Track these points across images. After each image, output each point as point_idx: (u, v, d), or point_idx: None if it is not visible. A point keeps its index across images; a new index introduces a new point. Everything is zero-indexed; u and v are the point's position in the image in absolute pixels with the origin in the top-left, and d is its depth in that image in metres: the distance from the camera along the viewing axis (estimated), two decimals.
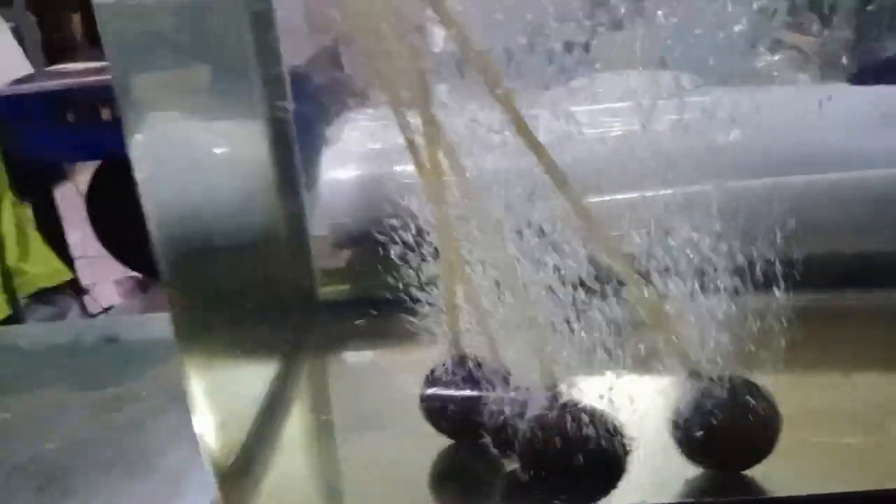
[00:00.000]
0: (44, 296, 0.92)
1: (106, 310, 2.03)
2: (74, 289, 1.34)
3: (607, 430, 0.34)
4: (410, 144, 0.37)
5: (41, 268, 0.92)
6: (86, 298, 1.98)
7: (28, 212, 0.95)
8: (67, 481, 0.41)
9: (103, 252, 2.21)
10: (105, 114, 1.84)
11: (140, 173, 0.34)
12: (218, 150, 0.42)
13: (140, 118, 0.35)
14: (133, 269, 2.29)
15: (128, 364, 0.54)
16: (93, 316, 1.79)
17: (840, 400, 0.40)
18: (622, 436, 0.34)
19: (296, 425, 0.44)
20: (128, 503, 0.40)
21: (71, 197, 2.33)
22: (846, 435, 0.37)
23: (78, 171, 2.43)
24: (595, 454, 0.33)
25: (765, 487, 0.34)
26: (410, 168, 0.38)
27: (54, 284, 0.93)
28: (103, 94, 1.88)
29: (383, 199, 0.39)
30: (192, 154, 0.40)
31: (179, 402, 0.36)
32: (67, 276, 0.96)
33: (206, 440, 0.36)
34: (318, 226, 0.56)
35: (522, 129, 0.34)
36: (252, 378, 0.44)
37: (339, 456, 0.43)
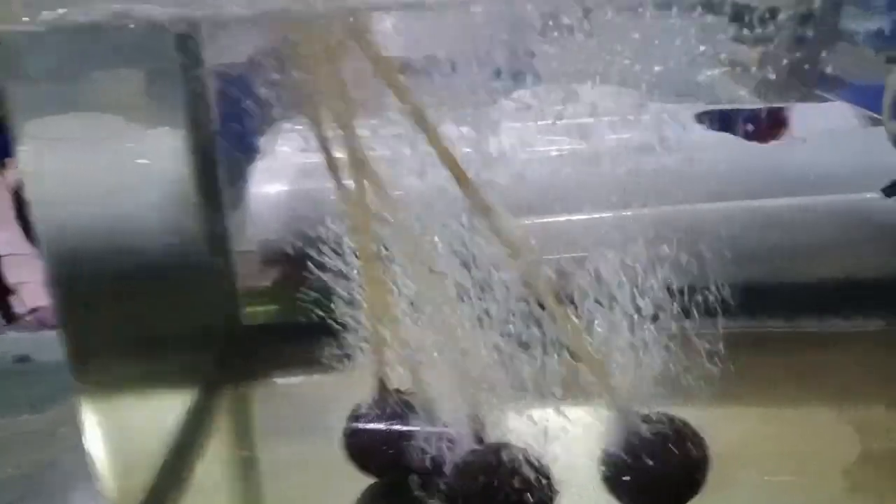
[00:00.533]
0: None
1: (33, 311, 1.95)
2: None
3: (535, 473, 0.32)
4: (332, 169, 0.34)
5: None
6: (12, 298, 1.90)
7: None
8: None
9: (31, 250, 2.12)
10: None
11: (29, 185, 0.31)
12: (121, 162, 0.39)
13: (30, 125, 0.32)
14: None
15: (41, 388, 0.50)
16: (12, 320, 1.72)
17: (769, 436, 0.39)
18: (549, 478, 0.33)
19: (212, 464, 0.41)
20: None
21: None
22: (776, 473, 0.37)
23: (7, 167, 2.33)
24: (522, 497, 0.32)
25: None
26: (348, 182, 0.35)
27: None
28: None
29: (315, 216, 0.37)
30: (89, 165, 0.37)
31: None
32: None
33: (106, 483, 0.33)
34: (246, 242, 0.53)
35: (441, 150, 0.32)
36: (162, 412, 0.41)
37: (258, 497, 0.40)
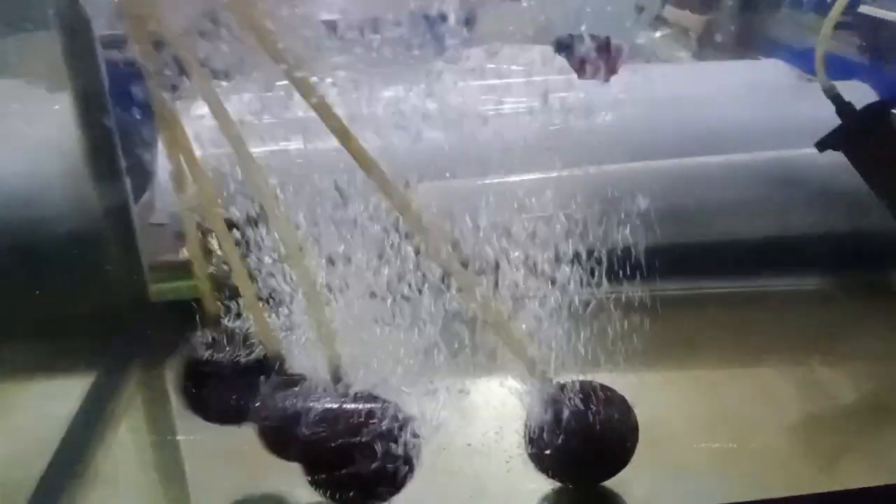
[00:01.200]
0: None
1: None
2: None
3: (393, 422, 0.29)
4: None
5: None
6: None
7: None
8: None
9: None
10: None
11: None
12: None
13: None
14: None
15: None
16: None
17: (704, 400, 0.38)
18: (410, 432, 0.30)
19: (120, 449, 0.38)
20: None
21: None
22: (713, 439, 0.35)
23: None
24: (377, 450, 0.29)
25: (625, 500, 0.32)
26: (263, 150, 0.32)
27: None
28: None
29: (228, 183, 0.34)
30: None
31: None
32: None
33: None
34: (157, 215, 0.50)
35: (325, 112, 0.29)
36: (58, 397, 0.38)
37: (169, 482, 0.37)
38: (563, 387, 0.30)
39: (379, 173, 0.29)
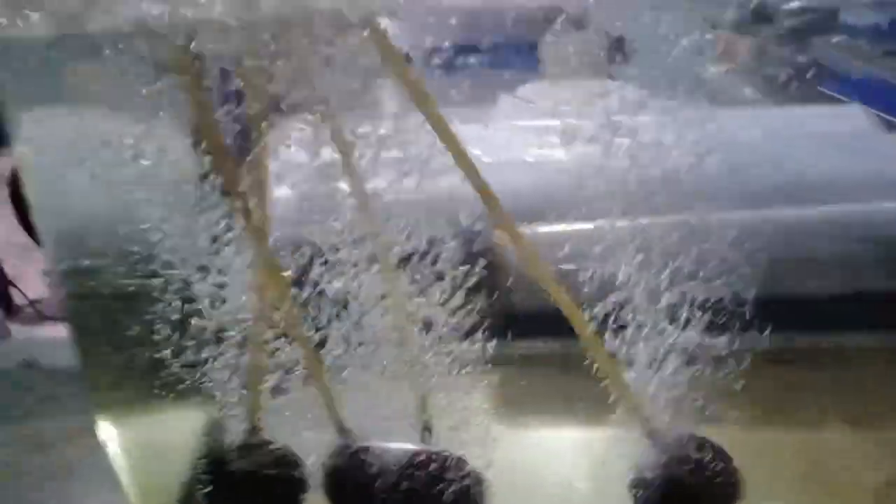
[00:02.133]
0: None
1: (32, 303, 1.94)
2: None
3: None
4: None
5: None
6: (11, 290, 1.89)
7: None
8: None
9: (29, 242, 2.11)
10: None
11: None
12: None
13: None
14: None
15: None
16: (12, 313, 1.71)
17: (794, 457, 0.39)
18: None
19: None
20: None
21: None
22: (807, 495, 0.36)
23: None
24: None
25: None
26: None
27: None
28: None
29: None
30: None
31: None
32: None
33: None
34: None
35: (455, 149, 0.30)
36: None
37: None
38: (672, 439, 0.32)
39: (499, 209, 0.30)
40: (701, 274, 0.33)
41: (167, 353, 0.31)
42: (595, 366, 0.32)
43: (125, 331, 0.31)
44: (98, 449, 0.39)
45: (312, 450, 0.33)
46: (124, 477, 0.33)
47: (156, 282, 0.30)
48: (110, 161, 0.32)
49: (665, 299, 0.33)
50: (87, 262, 0.33)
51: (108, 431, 0.34)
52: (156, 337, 0.31)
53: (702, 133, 0.33)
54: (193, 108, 0.27)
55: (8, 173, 2.16)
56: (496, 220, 0.30)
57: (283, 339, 0.31)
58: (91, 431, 0.40)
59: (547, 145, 0.43)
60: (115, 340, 0.33)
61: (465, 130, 0.31)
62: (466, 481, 0.31)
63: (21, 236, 2.24)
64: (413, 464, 0.31)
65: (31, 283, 2.01)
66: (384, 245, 0.30)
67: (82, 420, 0.43)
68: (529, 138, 0.43)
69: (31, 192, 0.29)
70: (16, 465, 0.43)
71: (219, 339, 0.31)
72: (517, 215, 0.32)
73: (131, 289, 0.32)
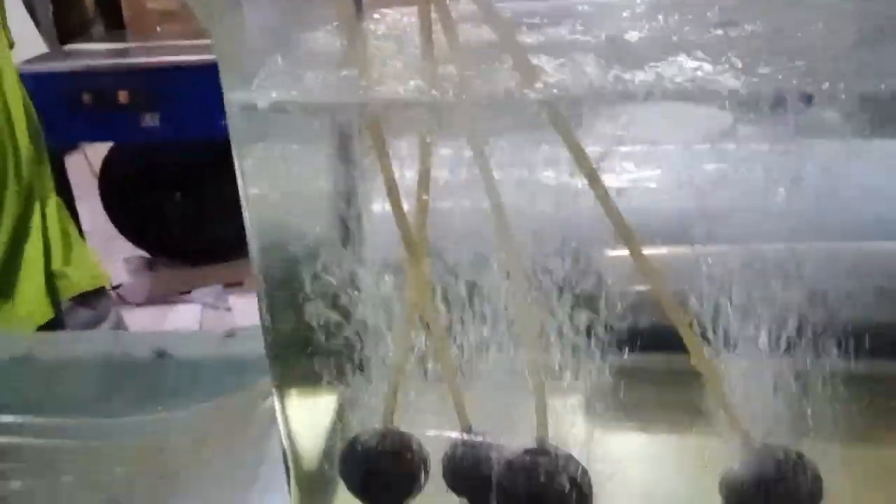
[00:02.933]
0: (83, 298, 0.93)
1: (114, 287, 2.05)
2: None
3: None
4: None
5: (83, 272, 0.92)
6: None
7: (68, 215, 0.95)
8: None
9: (112, 230, 2.23)
10: (122, 97, 1.85)
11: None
12: None
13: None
14: (141, 248, 2.31)
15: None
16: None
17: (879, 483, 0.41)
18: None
19: None
20: None
21: (83, 174, 2.35)
22: None
23: (89, 149, 2.44)
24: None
25: None
26: None
27: (94, 288, 0.93)
28: (120, 77, 1.89)
29: None
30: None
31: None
32: (107, 281, 0.96)
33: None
34: None
35: (589, 169, 0.33)
36: None
37: None
38: (764, 447, 0.35)
39: (627, 229, 0.34)
40: (802, 300, 0.36)
41: (333, 350, 0.36)
42: (701, 379, 0.35)
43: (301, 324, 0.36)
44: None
45: (438, 442, 0.38)
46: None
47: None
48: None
49: (767, 324, 0.36)
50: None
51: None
52: (324, 336, 0.36)
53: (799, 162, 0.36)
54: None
55: (97, 167, 2.28)
56: (623, 239, 0.34)
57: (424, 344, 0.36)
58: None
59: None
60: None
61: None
62: (575, 476, 0.35)
63: (106, 224, 2.37)
64: (526, 457, 0.36)
65: (114, 270, 2.13)
66: (515, 260, 0.34)
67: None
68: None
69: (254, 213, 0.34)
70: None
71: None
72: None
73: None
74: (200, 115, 1.91)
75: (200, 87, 1.86)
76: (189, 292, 2.18)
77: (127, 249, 2.29)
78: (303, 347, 0.37)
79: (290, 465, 0.36)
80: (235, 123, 0.30)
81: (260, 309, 0.35)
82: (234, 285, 2.20)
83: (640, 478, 0.40)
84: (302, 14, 0.35)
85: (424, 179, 0.32)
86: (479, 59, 0.32)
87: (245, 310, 2.04)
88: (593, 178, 0.34)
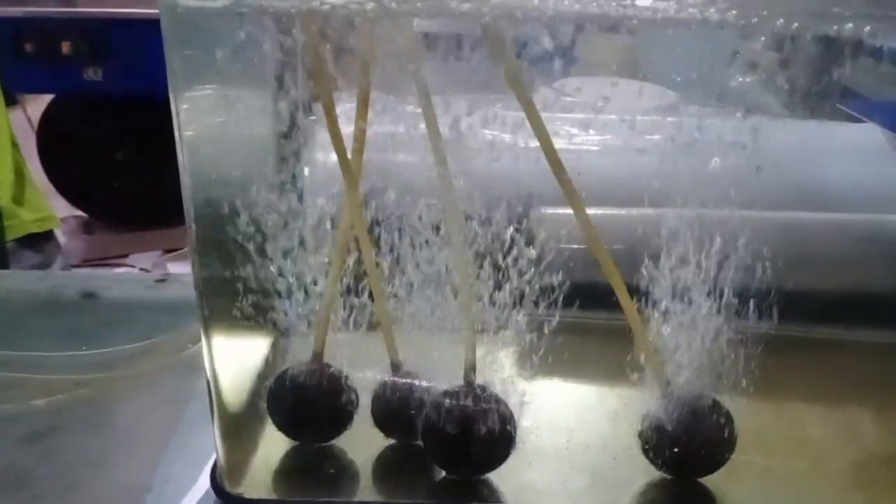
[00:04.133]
0: (30, 241, 0.89)
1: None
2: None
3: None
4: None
5: (33, 213, 0.89)
6: None
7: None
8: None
9: (50, 187, 2.16)
10: (65, 47, 1.78)
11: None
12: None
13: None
14: (79, 208, 2.24)
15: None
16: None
17: (794, 428, 0.44)
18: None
19: None
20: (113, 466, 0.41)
21: (22, 128, 2.26)
22: (793, 461, 0.41)
23: (29, 101, 2.35)
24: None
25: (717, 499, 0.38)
26: None
27: (42, 230, 0.90)
28: (64, 27, 1.82)
29: None
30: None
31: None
32: (57, 223, 0.93)
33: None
34: None
35: (538, 127, 0.34)
36: None
37: None
38: (686, 395, 0.37)
39: (573, 190, 0.35)
40: (728, 264, 0.38)
41: (258, 283, 0.35)
42: (627, 332, 0.37)
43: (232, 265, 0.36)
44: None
45: (366, 381, 0.38)
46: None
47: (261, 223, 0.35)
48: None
49: (696, 284, 0.37)
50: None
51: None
52: (250, 271, 0.35)
53: (729, 137, 0.38)
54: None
55: (37, 122, 2.19)
56: (569, 199, 0.34)
57: (357, 280, 0.36)
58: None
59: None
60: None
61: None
62: (499, 416, 0.36)
63: (44, 181, 2.28)
64: (453, 394, 0.36)
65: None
66: (456, 215, 0.35)
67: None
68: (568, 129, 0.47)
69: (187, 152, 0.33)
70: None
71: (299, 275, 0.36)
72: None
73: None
74: (146, 72, 1.85)
75: (148, 42, 1.80)
76: (126, 256, 2.12)
77: (64, 208, 2.22)
78: (232, 284, 0.36)
79: (214, 403, 0.36)
80: (170, 35, 0.29)
81: (189, 241, 0.35)
82: (172, 251, 2.15)
83: (564, 424, 0.41)
84: None
85: (363, 103, 0.32)
86: None
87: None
88: (539, 129, 0.34)
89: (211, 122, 0.36)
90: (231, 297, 0.36)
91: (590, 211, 0.37)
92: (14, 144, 0.91)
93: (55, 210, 2.16)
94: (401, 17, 0.30)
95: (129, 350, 0.47)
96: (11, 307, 0.57)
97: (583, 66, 0.36)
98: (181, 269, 2.05)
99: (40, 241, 0.93)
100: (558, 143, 0.37)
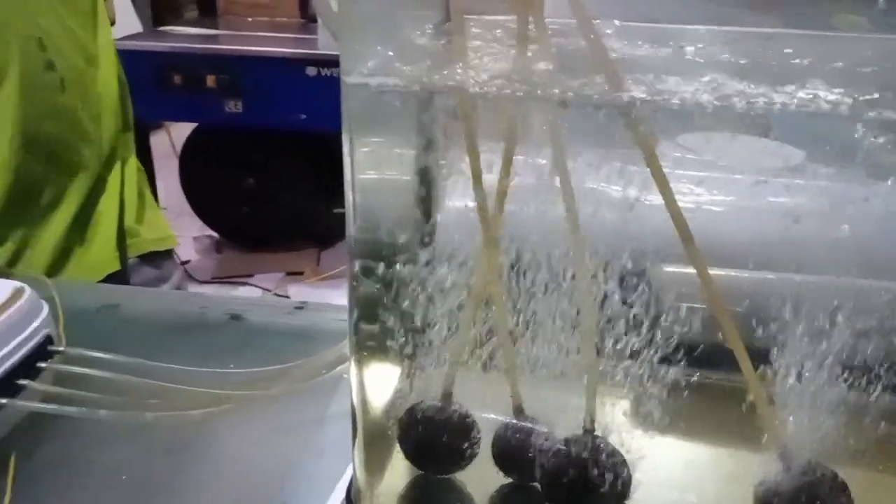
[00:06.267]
0: (149, 258, 0.99)
1: (183, 262, 2.13)
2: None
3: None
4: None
5: (153, 233, 0.98)
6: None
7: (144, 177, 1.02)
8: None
9: (186, 208, 2.32)
10: (209, 81, 1.93)
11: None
12: None
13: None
14: (212, 228, 2.40)
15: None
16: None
17: None
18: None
19: None
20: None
21: (165, 152, 2.45)
22: None
23: (173, 128, 2.55)
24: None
25: None
26: None
27: (161, 249, 0.99)
28: (208, 62, 1.97)
29: None
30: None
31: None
32: (175, 243, 1.02)
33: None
34: None
35: (660, 179, 0.35)
36: None
37: None
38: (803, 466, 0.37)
39: (695, 249, 0.36)
40: (853, 334, 0.38)
41: (401, 320, 0.39)
42: (746, 394, 0.37)
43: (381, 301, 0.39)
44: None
45: (489, 421, 0.41)
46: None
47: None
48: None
49: (820, 351, 0.38)
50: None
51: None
52: (394, 308, 0.39)
53: (859, 202, 0.38)
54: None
55: (179, 146, 2.37)
56: (691, 258, 0.36)
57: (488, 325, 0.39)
58: None
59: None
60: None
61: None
62: (616, 468, 0.37)
63: (181, 202, 2.45)
64: (573, 442, 0.38)
65: (183, 247, 2.21)
66: (583, 267, 0.37)
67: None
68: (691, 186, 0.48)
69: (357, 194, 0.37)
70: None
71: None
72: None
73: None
74: (281, 106, 1.98)
75: (283, 79, 1.93)
76: (251, 276, 2.25)
77: (197, 228, 2.38)
78: (379, 318, 0.40)
79: (359, 426, 0.39)
80: (349, 104, 0.34)
81: (349, 278, 0.38)
82: (294, 274, 2.26)
83: (677, 481, 0.42)
84: (408, 10, 0.39)
85: (506, 167, 0.35)
86: (569, 63, 0.34)
87: (302, 299, 2.09)
88: (665, 190, 0.36)
89: (374, 171, 0.40)
90: (377, 330, 0.39)
91: (712, 271, 0.38)
92: (139, 170, 1.00)
93: (186, 228, 2.34)
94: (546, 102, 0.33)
95: (270, 371, 0.51)
96: (164, 324, 0.63)
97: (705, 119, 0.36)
98: (298, 291, 2.15)
99: (159, 259, 1.02)
100: (681, 201, 0.38)
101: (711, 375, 0.40)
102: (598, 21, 0.34)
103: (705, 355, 0.39)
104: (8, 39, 0.77)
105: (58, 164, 0.85)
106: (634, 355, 0.39)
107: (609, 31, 0.36)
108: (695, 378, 0.39)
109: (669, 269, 0.42)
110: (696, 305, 0.40)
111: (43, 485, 0.44)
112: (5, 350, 0.44)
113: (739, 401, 0.38)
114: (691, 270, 0.38)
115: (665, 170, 0.37)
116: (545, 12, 0.34)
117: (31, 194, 0.84)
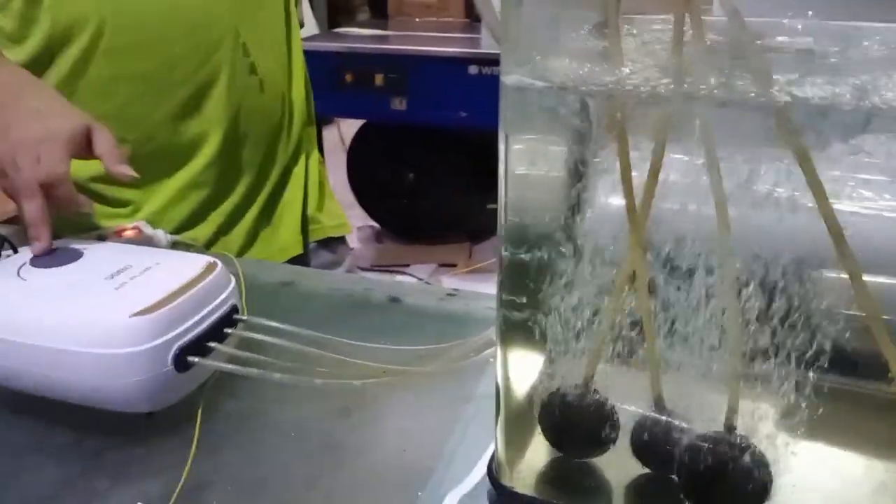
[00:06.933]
0: (326, 243, 1.07)
1: (350, 249, 2.26)
2: None
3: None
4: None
5: (331, 220, 1.06)
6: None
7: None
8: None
9: (351, 199, 2.46)
10: (378, 79, 2.03)
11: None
12: None
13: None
14: (373, 218, 2.52)
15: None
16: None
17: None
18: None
19: None
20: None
21: (335, 145, 2.60)
22: None
23: (343, 123, 2.70)
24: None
25: None
26: None
27: (338, 235, 1.07)
28: (377, 61, 2.08)
29: None
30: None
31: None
32: (349, 230, 1.10)
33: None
34: None
35: (816, 186, 0.34)
36: None
37: None
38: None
39: (849, 254, 0.35)
40: None
41: (547, 309, 0.41)
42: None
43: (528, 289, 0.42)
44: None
45: (630, 412, 0.42)
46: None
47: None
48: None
49: None
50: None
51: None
52: (541, 298, 0.41)
53: None
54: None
55: (348, 140, 2.50)
56: (843, 264, 0.35)
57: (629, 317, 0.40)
58: None
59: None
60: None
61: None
62: (756, 467, 0.37)
63: (346, 193, 2.58)
64: (715, 439, 0.38)
65: (353, 236, 2.35)
66: (730, 265, 0.37)
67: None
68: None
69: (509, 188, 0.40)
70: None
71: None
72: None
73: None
74: (443, 104, 2.05)
75: (446, 78, 1.99)
76: (407, 265, 2.34)
77: (360, 219, 2.51)
78: (526, 306, 0.42)
79: (501, 406, 0.42)
80: (506, 103, 0.36)
81: (498, 269, 0.41)
82: (447, 266, 2.33)
83: (822, 487, 0.41)
84: (568, 12, 0.40)
85: (656, 166, 0.36)
86: (722, 63, 0.35)
87: None
88: (819, 193, 0.36)
89: (526, 167, 0.42)
90: (523, 317, 0.42)
91: (867, 278, 0.37)
92: (321, 162, 1.09)
93: (350, 218, 2.47)
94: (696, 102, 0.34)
95: (424, 351, 0.55)
96: (332, 302, 0.68)
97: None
98: (450, 282, 2.22)
99: (335, 244, 1.09)
100: (846, 206, 0.37)
101: (863, 384, 0.39)
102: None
103: (857, 363, 0.38)
104: (221, 48, 0.86)
105: (255, 157, 0.94)
106: (783, 358, 0.38)
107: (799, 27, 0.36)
108: (845, 385, 0.39)
109: (821, 273, 0.41)
110: (848, 312, 0.40)
111: (223, 435, 0.50)
112: (198, 315, 0.51)
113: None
114: (844, 275, 0.37)
115: (835, 173, 0.37)
116: (713, 12, 0.34)
117: (232, 186, 0.94)
